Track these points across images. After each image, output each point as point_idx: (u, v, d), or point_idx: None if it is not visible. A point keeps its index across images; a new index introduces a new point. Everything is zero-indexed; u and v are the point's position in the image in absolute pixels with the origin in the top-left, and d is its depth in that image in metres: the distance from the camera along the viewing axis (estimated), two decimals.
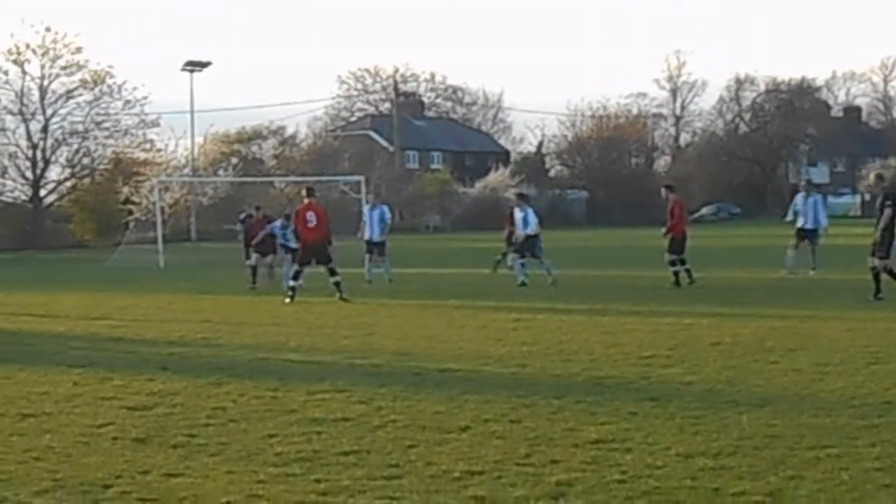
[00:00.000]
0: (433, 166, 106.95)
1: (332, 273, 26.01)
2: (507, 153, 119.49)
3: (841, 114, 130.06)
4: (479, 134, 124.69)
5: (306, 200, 26.67)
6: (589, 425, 10.77)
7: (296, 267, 26.80)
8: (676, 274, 27.64)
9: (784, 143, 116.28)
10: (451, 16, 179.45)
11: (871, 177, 24.01)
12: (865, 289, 22.74)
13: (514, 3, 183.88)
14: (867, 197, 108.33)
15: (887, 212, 22.38)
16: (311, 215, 26.15)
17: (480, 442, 10.19)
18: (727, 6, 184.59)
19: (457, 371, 14.51)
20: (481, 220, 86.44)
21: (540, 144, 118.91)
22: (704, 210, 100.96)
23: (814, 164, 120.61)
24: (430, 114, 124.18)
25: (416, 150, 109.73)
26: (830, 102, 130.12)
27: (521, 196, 32.00)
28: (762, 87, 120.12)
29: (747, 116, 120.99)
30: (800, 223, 30.93)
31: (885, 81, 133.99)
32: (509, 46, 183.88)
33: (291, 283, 26.23)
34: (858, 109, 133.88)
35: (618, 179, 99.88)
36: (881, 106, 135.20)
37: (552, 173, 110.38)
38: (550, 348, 16.51)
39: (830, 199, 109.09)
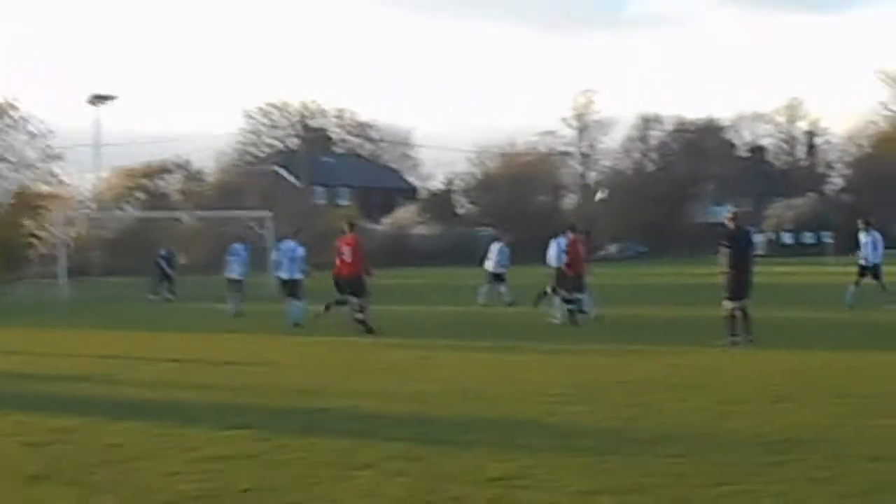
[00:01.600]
0: (340, 202, 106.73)
1: (360, 309, 26.35)
2: (414, 190, 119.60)
3: (746, 154, 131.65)
4: (386, 170, 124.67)
5: (349, 235, 27.23)
6: (492, 462, 10.68)
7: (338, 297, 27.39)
8: (571, 312, 27.74)
9: (690, 183, 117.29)
10: (360, 52, 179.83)
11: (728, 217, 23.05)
12: (775, 327, 22.91)
13: (425, 41, 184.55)
14: (772, 236, 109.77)
15: (729, 251, 21.76)
16: (346, 249, 26.88)
17: (383, 479, 10.08)
18: (635, 46, 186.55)
19: (361, 408, 14.38)
20: (389, 257, 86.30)
21: (448, 182, 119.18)
22: (612, 248, 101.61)
23: (719, 203, 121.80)
24: (339, 150, 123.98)
25: (324, 185, 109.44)
26: (736, 142, 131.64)
27: (572, 228, 30.36)
28: (669, 127, 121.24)
29: (654, 155, 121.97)
30: (861, 261, 31.89)
31: (790, 122, 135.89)
32: (419, 83, 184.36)
33: (359, 316, 26.33)
34: (763, 149, 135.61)
35: (525, 217, 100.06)
36: (786, 146, 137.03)
37: (460, 210, 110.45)
38: (455, 386, 16.42)
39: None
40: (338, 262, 27.00)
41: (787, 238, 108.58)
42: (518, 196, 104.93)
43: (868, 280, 31.48)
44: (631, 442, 11.70)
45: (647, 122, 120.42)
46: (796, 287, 43.17)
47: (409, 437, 12.12)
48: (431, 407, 14.47)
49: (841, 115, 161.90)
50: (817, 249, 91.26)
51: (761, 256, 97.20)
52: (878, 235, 32.19)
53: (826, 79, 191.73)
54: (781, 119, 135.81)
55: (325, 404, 14.72)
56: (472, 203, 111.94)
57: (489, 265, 37.99)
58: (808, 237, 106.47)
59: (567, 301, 27.86)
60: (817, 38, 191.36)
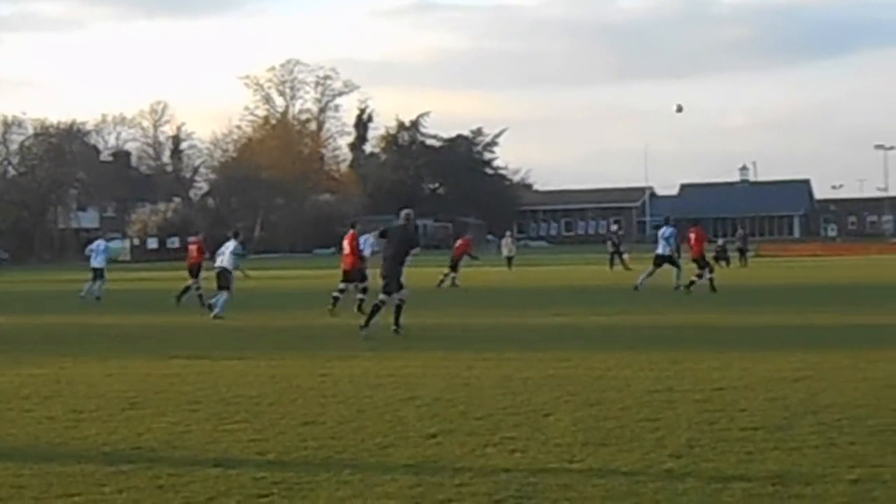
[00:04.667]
0: None
1: (363, 291, 29.70)
2: None
3: (111, 158, 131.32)
4: None
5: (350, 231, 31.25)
6: None
7: (340, 286, 30.60)
8: None
9: (53, 188, 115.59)
10: None
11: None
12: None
13: None
14: (136, 241, 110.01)
15: None
16: (345, 244, 30.78)
17: None
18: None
19: None
20: None
21: None
22: None
23: (83, 208, 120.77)
24: None
25: None
26: (100, 147, 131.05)
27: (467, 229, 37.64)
28: (30, 131, 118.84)
29: (15, 160, 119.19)
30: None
31: (155, 127, 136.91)
32: None
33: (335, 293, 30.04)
34: (128, 154, 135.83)
35: None
36: (151, 151, 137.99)
37: None
38: None
39: (103, 244, 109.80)
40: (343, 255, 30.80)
41: (153, 243, 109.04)
42: None
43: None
44: None
45: (8, 125, 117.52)
46: (160, 292, 43.57)
47: None
48: None
49: (206, 119, 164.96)
50: (183, 254, 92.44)
51: (127, 262, 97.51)
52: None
53: (191, 83, 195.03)
54: (147, 123, 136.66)
55: None
56: None
57: None
58: (174, 242, 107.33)
59: None
60: (182, 42, 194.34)
